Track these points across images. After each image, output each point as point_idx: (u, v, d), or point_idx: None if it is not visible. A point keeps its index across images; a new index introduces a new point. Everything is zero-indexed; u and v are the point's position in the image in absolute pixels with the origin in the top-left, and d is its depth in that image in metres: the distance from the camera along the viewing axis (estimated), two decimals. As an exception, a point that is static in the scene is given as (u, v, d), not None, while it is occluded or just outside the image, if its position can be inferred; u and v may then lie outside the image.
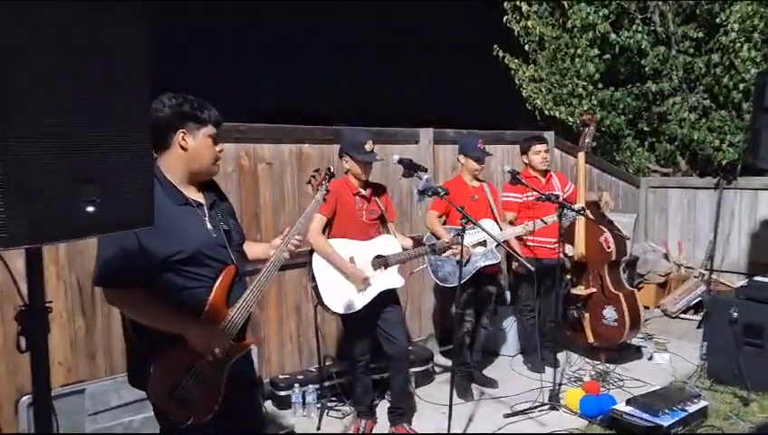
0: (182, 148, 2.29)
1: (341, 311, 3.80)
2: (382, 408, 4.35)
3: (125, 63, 1.50)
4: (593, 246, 5.20)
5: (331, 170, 2.79)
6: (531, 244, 5.09)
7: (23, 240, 1.27)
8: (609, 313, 5.15)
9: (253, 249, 2.67)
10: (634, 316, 5.15)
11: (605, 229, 5.19)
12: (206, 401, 2.25)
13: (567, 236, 5.19)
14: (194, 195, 2.36)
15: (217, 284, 2.30)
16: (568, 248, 5.22)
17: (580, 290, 5.26)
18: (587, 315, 5.27)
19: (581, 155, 5.30)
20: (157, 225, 2.03)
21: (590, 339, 5.28)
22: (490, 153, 4.80)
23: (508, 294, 5.82)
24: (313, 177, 2.78)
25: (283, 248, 2.49)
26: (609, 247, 5.15)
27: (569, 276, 5.30)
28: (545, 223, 4.61)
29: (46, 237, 1.34)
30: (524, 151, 5.26)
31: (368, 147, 3.84)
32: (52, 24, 1.33)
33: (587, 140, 5.32)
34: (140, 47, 1.54)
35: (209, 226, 2.34)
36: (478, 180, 4.76)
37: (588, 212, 4.93)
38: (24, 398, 3.40)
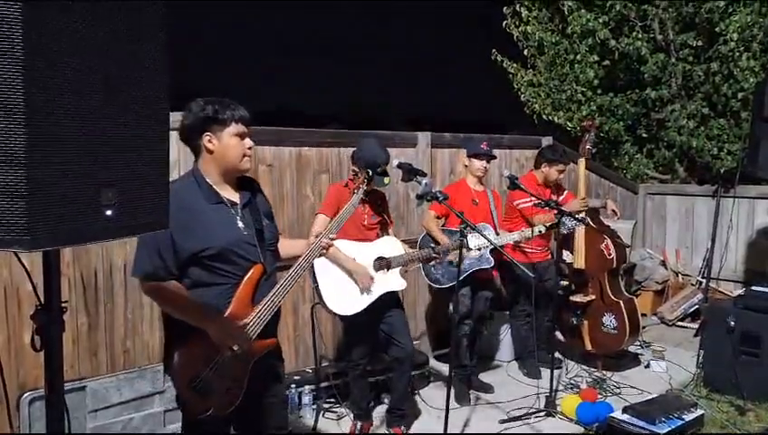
0: (208, 150, 2.39)
1: (343, 312, 3.79)
2: (378, 411, 4.34)
3: (146, 69, 1.54)
4: (593, 253, 5.18)
5: (371, 174, 2.90)
6: (528, 250, 5.10)
7: (45, 243, 1.30)
8: (609, 320, 5.14)
9: (291, 245, 2.73)
10: (634, 324, 5.15)
11: (606, 236, 5.17)
12: (228, 394, 2.33)
13: (566, 242, 5.19)
14: (229, 194, 2.46)
15: (243, 281, 2.37)
16: (566, 255, 5.21)
17: (578, 297, 5.24)
18: (586, 323, 5.25)
19: (582, 161, 5.29)
20: (189, 222, 2.24)
21: (588, 347, 5.27)
22: (495, 155, 4.80)
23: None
24: (351, 179, 2.82)
25: (315, 247, 2.55)
26: (609, 254, 5.13)
27: (566, 283, 5.29)
28: (542, 231, 4.61)
29: (67, 241, 1.37)
30: (548, 162, 5.20)
31: (381, 169, 3.84)
32: (79, 29, 1.35)
33: (587, 147, 5.31)
34: (160, 53, 1.57)
35: (240, 224, 2.42)
36: (482, 184, 4.76)
37: (588, 220, 4.93)
38: (26, 394, 3.43)
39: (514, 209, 5.10)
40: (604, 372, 5.17)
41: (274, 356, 2.60)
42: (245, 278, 2.37)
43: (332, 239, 2.63)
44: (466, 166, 4.77)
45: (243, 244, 2.39)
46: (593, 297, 5.22)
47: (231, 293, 2.36)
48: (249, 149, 2.44)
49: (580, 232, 5.16)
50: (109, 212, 1.43)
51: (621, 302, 5.14)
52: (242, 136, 2.42)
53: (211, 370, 2.29)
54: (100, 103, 1.41)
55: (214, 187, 2.41)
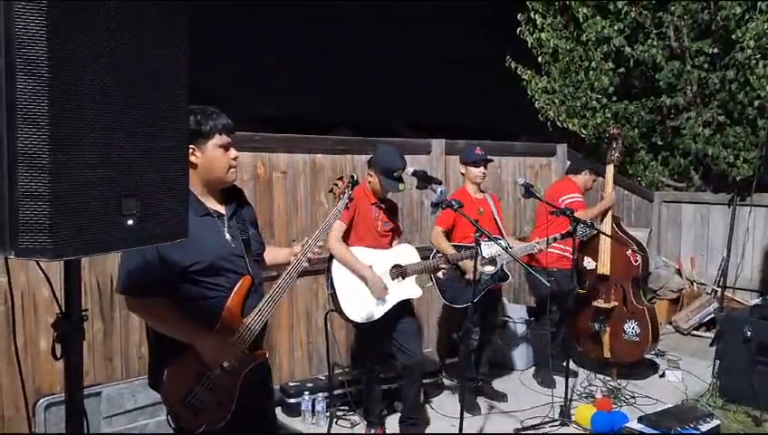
0: (192, 164, 2.25)
1: (359, 320, 3.80)
2: (391, 419, 4.34)
3: (166, 81, 1.54)
4: (619, 260, 5.15)
5: (355, 178, 2.78)
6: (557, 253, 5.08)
7: (68, 252, 1.31)
8: (631, 327, 5.11)
9: (274, 254, 2.68)
10: (655, 332, 5.14)
11: (632, 243, 5.15)
12: (219, 408, 2.28)
13: (590, 249, 5.17)
14: (215, 205, 2.38)
15: (233, 294, 2.31)
16: (588, 261, 5.19)
17: (601, 303, 5.21)
18: (608, 329, 5.22)
19: (611, 168, 5.27)
20: None
21: (607, 354, 5.24)
22: (491, 159, 4.75)
23: (509, 307, 5.81)
24: (336, 185, 2.76)
25: (302, 257, 2.48)
26: (636, 262, 5.11)
27: (583, 291, 5.26)
28: (558, 238, 4.60)
29: (89, 250, 1.38)
30: (589, 170, 5.30)
31: (397, 175, 3.84)
32: (104, 42, 1.36)
33: (616, 154, 5.30)
34: (181, 65, 1.57)
35: (228, 236, 2.35)
36: (481, 191, 4.74)
37: (597, 226, 4.91)
38: (42, 400, 3.45)
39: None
40: (619, 381, 5.15)
41: (263, 368, 2.53)
42: (234, 291, 2.31)
43: (320, 249, 2.55)
44: (463, 174, 4.76)
45: (231, 256, 2.32)
46: (616, 304, 5.19)
47: (220, 306, 2.29)
48: (234, 159, 2.34)
49: (605, 239, 5.14)
50: (130, 222, 1.43)
51: (645, 309, 5.12)
52: (226, 147, 2.31)
53: (203, 386, 2.24)
54: (122, 112, 1.41)
55: (199, 198, 2.32)
